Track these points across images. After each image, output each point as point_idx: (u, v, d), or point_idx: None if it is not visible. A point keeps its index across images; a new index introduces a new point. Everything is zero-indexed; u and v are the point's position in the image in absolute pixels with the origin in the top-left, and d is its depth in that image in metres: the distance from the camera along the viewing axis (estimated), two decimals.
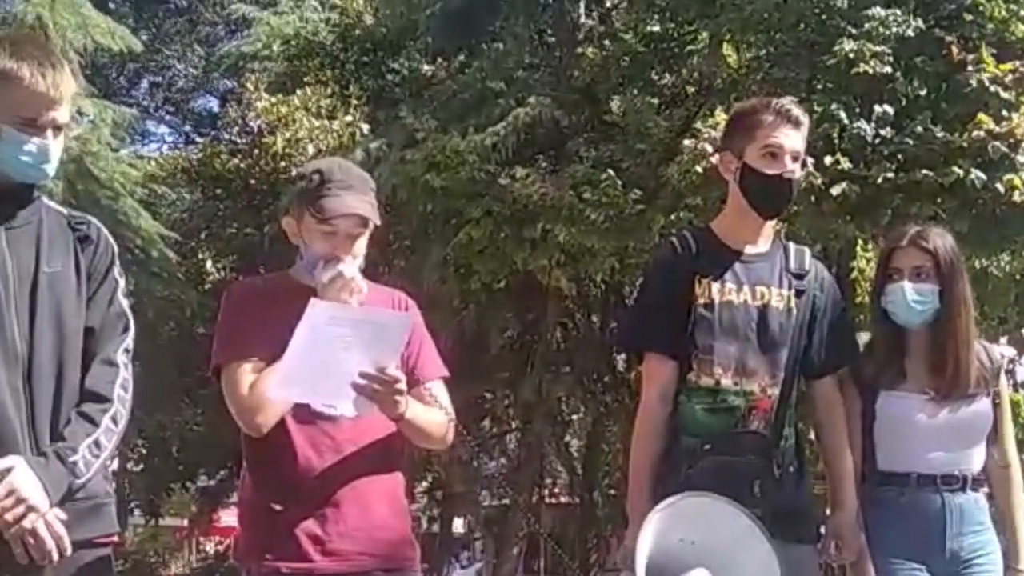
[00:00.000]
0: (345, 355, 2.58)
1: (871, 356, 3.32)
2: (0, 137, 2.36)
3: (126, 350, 2.50)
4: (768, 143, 3.05)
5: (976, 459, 3.27)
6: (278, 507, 2.72)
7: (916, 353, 3.27)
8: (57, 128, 2.42)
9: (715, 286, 3.03)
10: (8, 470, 2.25)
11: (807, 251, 3.23)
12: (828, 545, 3.15)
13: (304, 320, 2.55)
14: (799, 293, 3.11)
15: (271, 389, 2.64)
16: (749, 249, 3.11)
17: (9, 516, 2.23)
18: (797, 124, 3.10)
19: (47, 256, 2.43)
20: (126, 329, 2.52)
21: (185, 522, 19.67)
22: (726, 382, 3.00)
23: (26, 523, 2.24)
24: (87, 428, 2.37)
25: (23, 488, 2.24)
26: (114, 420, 2.42)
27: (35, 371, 2.36)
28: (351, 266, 2.73)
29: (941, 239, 3.29)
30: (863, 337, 3.52)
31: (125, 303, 2.54)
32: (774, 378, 3.03)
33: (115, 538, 2.53)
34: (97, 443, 2.37)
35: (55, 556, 2.28)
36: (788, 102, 3.22)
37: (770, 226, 3.20)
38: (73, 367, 2.42)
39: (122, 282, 2.56)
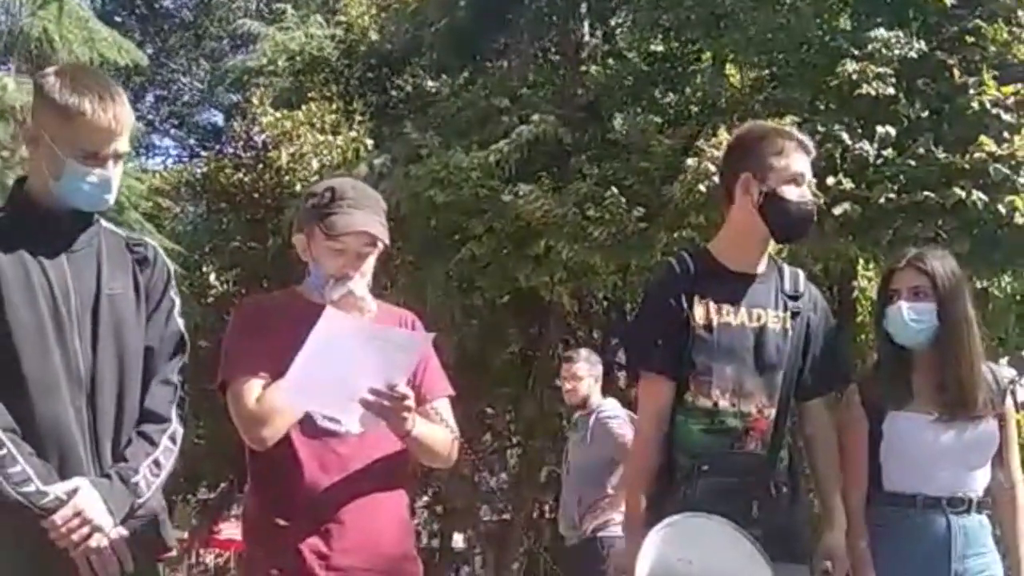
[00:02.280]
0: (356, 369, 2.59)
1: (877, 376, 3.34)
2: (64, 170, 2.39)
3: (182, 369, 2.56)
4: (795, 170, 3.09)
5: (981, 481, 3.28)
6: (283, 523, 2.73)
7: (922, 373, 3.28)
8: (117, 157, 2.45)
9: (713, 307, 3.04)
10: (74, 491, 2.30)
11: (801, 273, 3.25)
12: (819, 564, 3.16)
13: (319, 328, 2.55)
14: (794, 315, 3.13)
15: (279, 395, 2.66)
16: (747, 271, 3.13)
17: (75, 536, 2.28)
18: (809, 153, 3.17)
19: (108, 278, 2.47)
20: (182, 348, 2.58)
21: (185, 534, 19.65)
22: (723, 403, 3.01)
23: (91, 543, 2.30)
24: (147, 448, 2.44)
25: (88, 509, 2.30)
26: (172, 440, 2.49)
27: (98, 391, 2.41)
28: (361, 285, 2.75)
29: (940, 261, 3.31)
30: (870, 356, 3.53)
31: (180, 322, 2.60)
32: (771, 399, 3.05)
33: (173, 552, 2.60)
34: (157, 463, 2.45)
35: (119, 574, 2.34)
36: (798, 132, 3.28)
37: (768, 248, 3.22)
38: (134, 387, 2.47)
39: (178, 302, 2.62)
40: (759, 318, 3.08)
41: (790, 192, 3.08)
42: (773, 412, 3.05)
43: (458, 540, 19.35)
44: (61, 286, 2.40)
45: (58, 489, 2.29)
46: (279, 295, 3.09)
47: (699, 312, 3.03)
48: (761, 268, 3.16)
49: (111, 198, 2.47)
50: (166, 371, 2.52)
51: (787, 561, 2.95)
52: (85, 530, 2.29)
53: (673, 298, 3.07)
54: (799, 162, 3.10)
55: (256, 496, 2.86)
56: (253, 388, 2.70)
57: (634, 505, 3.04)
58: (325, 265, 2.78)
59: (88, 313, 2.42)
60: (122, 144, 2.45)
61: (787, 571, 2.91)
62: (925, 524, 3.20)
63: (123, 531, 2.36)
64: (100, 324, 2.43)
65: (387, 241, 2.81)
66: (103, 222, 2.56)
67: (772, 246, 3.25)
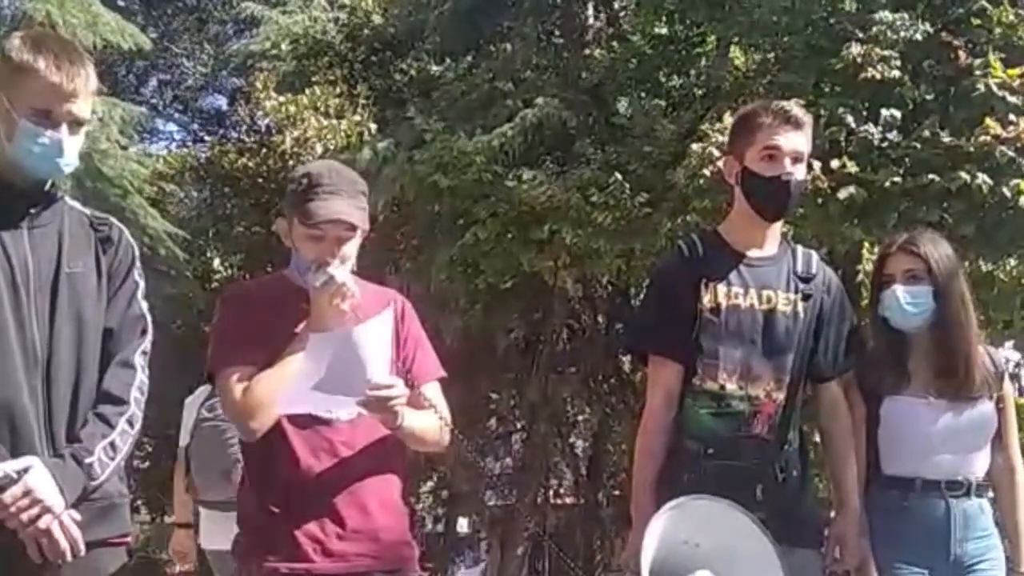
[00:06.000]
0: (343, 376, 2.58)
1: (874, 361, 3.32)
2: (16, 130, 2.36)
3: (144, 352, 2.51)
4: (767, 145, 3.06)
5: (980, 464, 3.28)
6: (277, 509, 2.73)
7: (918, 356, 3.28)
8: (74, 123, 2.41)
9: (721, 290, 3.04)
10: (25, 470, 2.27)
11: (815, 255, 3.23)
12: (831, 550, 3.15)
13: (305, 356, 2.58)
14: (806, 297, 3.11)
15: (265, 389, 2.66)
16: (756, 252, 3.12)
17: (25, 516, 2.25)
18: (797, 125, 3.09)
19: (68, 256, 2.44)
20: (144, 332, 2.54)
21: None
22: (731, 386, 3.00)
23: (41, 524, 2.26)
24: (103, 430, 2.39)
25: (39, 489, 2.26)
26: (130, 423, 2.44)
27: (53, 372, 2.38)
28: (342, 271, 2.74)
29: (932, 243, 3.30)
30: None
31: (144, 305, 2.55)
32: (779, 382, 3.04)
33: (128, 538, 2.55)
34: (112, 445, 2.39)
35: (68, 556, 2.30)
36: (789, 104, 3.21)
37: (777, 229, 3.20)
38: (91, 368, 2.43)
39: (142, 284, 2.57)
40: (769, 300, 3.07)
41: (763, 167, 3.05)
42: (782, 396, 3.04)
43: (463, 525, 19.35)
44: (20, 262, 2.37)
45: (9, 467, 2.26)
46: (265, 280, 3.10)
47: (707, 295, 3.03)
48: (772, 250, 3.15)
49: (66, 165, 2.42)
50: (127, 353, 2.48)
51: (795, 545, 2.94)
52: (35, 510, 2.25)
53: (681, 281, 3.06)
54: (777, 136, 3.05)
55: (250, 483, 2.85)
56: (241, 379, 2.69)
57: (643, 488, 3.04)
58: (304, 251, 2.78)
59: (47, 291, 2.39)
60: (79, 109, 2.40)
61: (794, 555, 2.90)
62: (924, 508, 3.20)
63: (75, 514, 2.31)
64: (58, 302, 2.39)
65: (366, 227, 2.80)
66: (68, 199, 2.53)
67: (781, 227, 3.25)
